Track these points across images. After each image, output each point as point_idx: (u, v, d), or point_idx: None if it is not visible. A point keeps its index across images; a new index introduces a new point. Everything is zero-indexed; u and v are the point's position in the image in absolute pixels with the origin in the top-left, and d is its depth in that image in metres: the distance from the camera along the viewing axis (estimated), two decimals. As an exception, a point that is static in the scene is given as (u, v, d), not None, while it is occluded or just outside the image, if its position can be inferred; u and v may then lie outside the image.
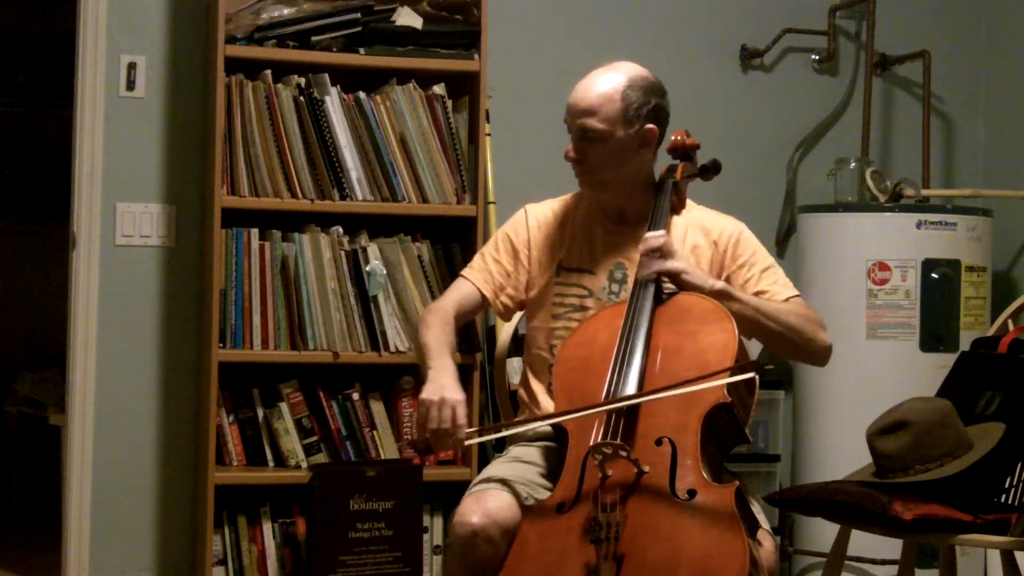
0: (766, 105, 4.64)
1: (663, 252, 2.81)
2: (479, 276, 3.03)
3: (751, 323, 2.83)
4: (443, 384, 2.71)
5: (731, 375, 2.61)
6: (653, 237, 2.82)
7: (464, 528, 2.62)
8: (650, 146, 2.93)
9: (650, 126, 2.90)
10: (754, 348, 3.44)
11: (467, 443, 2.82)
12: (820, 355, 2.92)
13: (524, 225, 3.04)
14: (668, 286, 2.86)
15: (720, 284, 2.83)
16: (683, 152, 3.00)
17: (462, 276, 3.06)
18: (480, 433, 2.98)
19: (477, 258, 3.08)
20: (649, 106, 2.90)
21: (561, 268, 2.99)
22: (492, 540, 2.60)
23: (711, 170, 2.97)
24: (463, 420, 2.68)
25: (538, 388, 2.98)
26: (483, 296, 3.02)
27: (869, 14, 4.59)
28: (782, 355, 2.97)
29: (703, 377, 2.60)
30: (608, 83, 2.89)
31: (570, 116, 2.91)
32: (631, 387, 2.63)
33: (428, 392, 2.70)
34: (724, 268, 2.95)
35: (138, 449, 4.04)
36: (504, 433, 3.07)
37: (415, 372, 3.97)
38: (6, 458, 5.79)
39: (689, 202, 3.02)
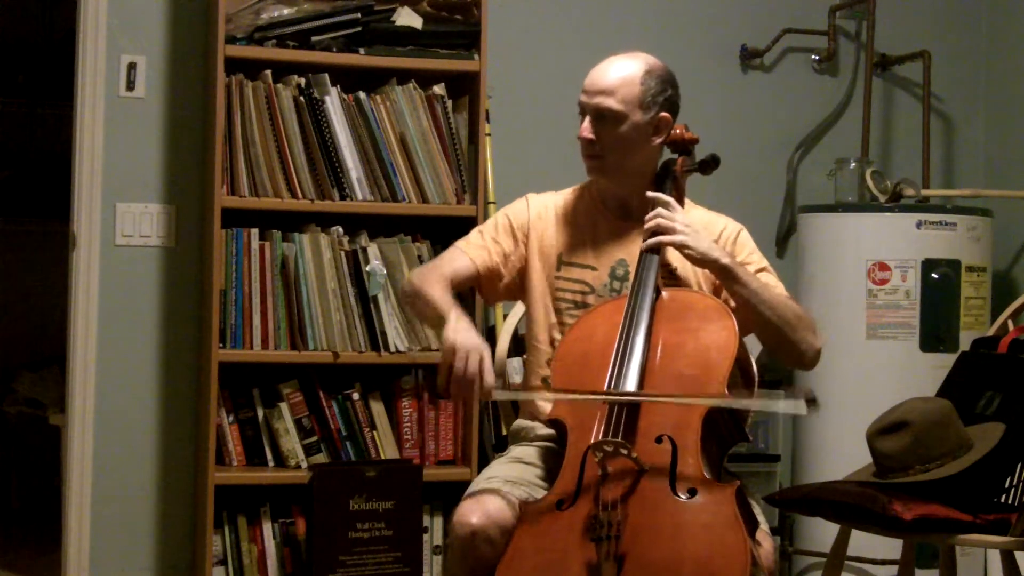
0: (766, 105, 4.64)
1: (665, 229, 2.80)
2: (476, 251, 2.97)
3: (749, 307, 2.79)
4: (468, 333, 2.65)
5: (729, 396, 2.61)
6: (656, 215, 2.82)
7: (464, 528, 2.61)
8: (662, 135, 2.91)
9: (664, 114, 2.90)
10: (754, 348, 3.43)
11: (493, 398, 2.70)
12: (809, 356, 2.85)
13: (525, 211, 3.02)
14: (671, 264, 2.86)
15: (725, 259, 2.79)
16: (682, 146, 3.00)
17: (458, 248, 2.99)
18: (505, 388, 2.77)
19: (475, 234, 3.02)
20: (665, 94, 2.90)
21: (562, 262, 2.97)
22: (492, 540, 2.59)
23: (711, 164, 2.95)
24: (490, 371, 2.62)
25: (533, 383, 2.96)
26: (477, 272, 2.96)
27: (869, 14, 4.59)
28: (772, 349, 2.89)
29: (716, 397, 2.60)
30: (628, 67, 2.89)
31: (586, 95, 2.89)
32: (631, 383, 2.62)
33: (453, 338, 2.63)
34: None
35: (138, 449, 4.04)
36: (523, 396, 2.90)
37: (415, 372, 3.97)
38: (6, 458, 5.79)
39: (688, 202, 3.02)
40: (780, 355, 2.91)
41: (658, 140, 2.92)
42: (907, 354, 4.20)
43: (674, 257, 2.92)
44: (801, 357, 2.86)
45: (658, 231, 2.80)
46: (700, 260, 2.79)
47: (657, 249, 2.82)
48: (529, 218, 3.01)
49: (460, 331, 2.66)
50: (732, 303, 2.88)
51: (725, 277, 2.80)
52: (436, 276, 2.89)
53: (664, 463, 2.52)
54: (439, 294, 2.82)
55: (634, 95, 2.87)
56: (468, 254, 2.98)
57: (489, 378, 2.63)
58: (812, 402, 2.73)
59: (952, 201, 4.55)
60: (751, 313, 2.80)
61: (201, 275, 4.04)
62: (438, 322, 2.74)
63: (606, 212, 2.99)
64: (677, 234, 2.79)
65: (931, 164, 4.67)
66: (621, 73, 2.88)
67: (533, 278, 2.99)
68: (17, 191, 5.89)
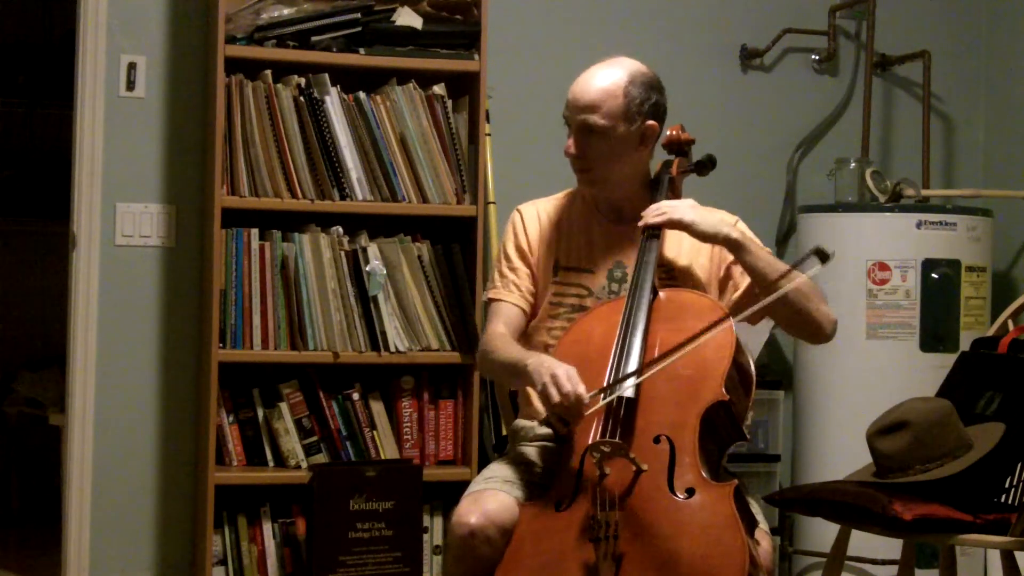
0: (766, 105, 4.64)
1: (668, 214, 2.80)
2: (510, 294, 2.97)
3: (762, 279, 2.79)
4: (547, 362, 2.63)
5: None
6: (654, 210, 2.82)
7: (462, 528, 2.61)
8: (649, 142, 2.92)
9: (651, 122, 2.89)
10: (754, 347, 3.43)
11: (590, 410, 2.61)
12: (825, 327, 2.84)
13: (522, 226, 3.02)
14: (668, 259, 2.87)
15: (735, 233, 2.79)
16: (678, 147, 3.00)
17: (494, 300, 2.98)
18: (601, 394, 2.66)
19: (497, 278, 3.01)
20: (650, 102, 2.89)
21: (559, 267, 2.97)
22: (491, 540, 2.60)
23: (707, 165, 2.96)
24: (581, 385, 2.57)
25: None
26: (523, 311, 2.97)
27: (869, 14, 4.59)
28: (791, 324, 2.88)
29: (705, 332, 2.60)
30: (609, 79, 2.87)
31: (570, 111, 2.89)
32: (629, 383, 2.63)
33: (537, 373, 2.61)
34: (724, 259, 2.93)
35: (138, 449, 4.04)
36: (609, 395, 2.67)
37: (415, 372, 3.97)
38: (6, 458, 5.79)
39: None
40: (799, 330, 2.90)
41: (645, 148, 2.92)
42: (907, 354, 4.20)
43: (670, 256, 2.92)
44: (820, 328, 2.85)
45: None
46: (711, 236, 2.79)
47: (657, 235, 2.81)
48: (527, 232, 3.01)
49: (540, 366, 2.63)
50: (742, 287, 2.88)
51: (737, 250, 2.79)
52: (498, 338, 2.88)
53: (662, 463, 2.52)
54: (513, 350, 2.81)
55: (617, 108, 2.85)
56: (507, 300, 2.97)
57: (583, 395, 2.58)
58: (822, 255, 2.69)
59: (952, 201, 4.55)
60: (766, 286, 2.78)
61: (201, 275, 4.04)
62: (522, 366, 2.70)
63: (600, 216, 2.99)
64: (681, 215, 2.79)
65: (931, 164, 4.67)
66: (603, 85, 2.86)
67: (537, 284, 3.00)
68: (17, 191, 5.90)
